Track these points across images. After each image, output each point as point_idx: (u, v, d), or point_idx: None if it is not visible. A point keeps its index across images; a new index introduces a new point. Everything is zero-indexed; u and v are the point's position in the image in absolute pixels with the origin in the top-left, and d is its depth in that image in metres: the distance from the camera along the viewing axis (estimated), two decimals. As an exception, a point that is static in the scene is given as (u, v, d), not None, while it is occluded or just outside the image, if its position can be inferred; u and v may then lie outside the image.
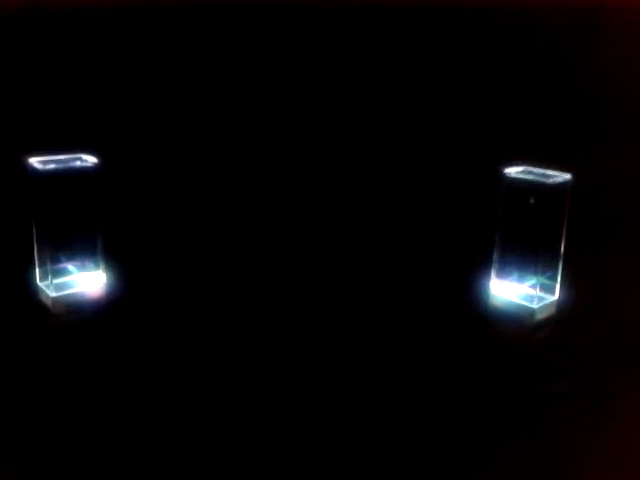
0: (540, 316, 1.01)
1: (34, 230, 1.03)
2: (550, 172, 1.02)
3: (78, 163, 1.03)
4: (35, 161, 1.02)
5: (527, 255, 1.02)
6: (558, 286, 1.03)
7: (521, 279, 1.03)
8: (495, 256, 1.05)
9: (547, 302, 1.03)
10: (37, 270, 1.05)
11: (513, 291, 1.04)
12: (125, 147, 1.97)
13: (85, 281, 1.05)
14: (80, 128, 2.08)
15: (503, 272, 1.05)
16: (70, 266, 1.04)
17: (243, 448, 0.72)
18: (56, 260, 1.02)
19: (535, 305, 1.01)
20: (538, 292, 1.02)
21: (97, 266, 1.06)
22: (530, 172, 1.02)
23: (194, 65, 3.02)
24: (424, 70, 2.94)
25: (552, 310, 1.03)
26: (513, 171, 1.03)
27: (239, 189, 1.64)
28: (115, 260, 1.11)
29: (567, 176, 1.01)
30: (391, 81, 2.83)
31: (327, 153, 1.98)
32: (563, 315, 1.02)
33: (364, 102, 2.58)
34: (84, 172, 1.03)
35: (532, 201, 1.01)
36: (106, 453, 0.71)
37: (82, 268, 1.05)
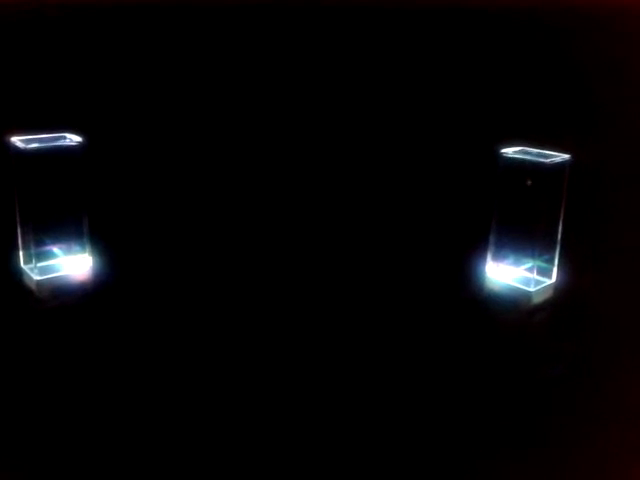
0: (537, 300, 1.00)
1: (17, 211, 1.00)
2: (548, 152, 0.99)
3: (62, 142, 1.01)
4: (18, 140, 0.99)
5: (524, 237, 1.00)
6: (555, 269, 1.02)
7: (518, 262, 1.01)
8: (491, 239, 1.03)
9: (544, 285, 1.01)
10: (21, 253, 1.02)
11: (510, 274, 1.02)
12: (111, 125, 1.93)
13: (71, 264, 1.02)
14: (64, 106, 2.04)
15: (499, 255, 1.03)
16: (55, 249, 1.02)
17: (232, 433, 0.70)
18: (40, 242, 1.00)
19: (532, 288, 0.99)
20: (535, 275, 1.00)
21: (83, 249, 1.03)
22: (527, 152, 1.00)
23: (181, 43, 2.98)
24: (422, 54, 2.92)
25: (549, 293, 1.01)
26: (510, 151, 1.01)
27: (229, 169, 1.61)
28: (102, 242, 1.09)
29: (566, 156, 0.99)
30: (389, 64, 2.81)
31: (321, 134, 1.95)
32: (560, 299, 1.01)
33: (361, 83, 2.55)
34: (69, 151, 1.00)
35: (529, 183, 0.99)
36: (91, 438, 0.69)
37: (67, 251, 1.02)
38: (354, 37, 3.10)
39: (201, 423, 0.72)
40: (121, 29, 3.03)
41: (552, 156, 0.99)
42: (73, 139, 1.01)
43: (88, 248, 1.04)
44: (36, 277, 0.99)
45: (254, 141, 1.86)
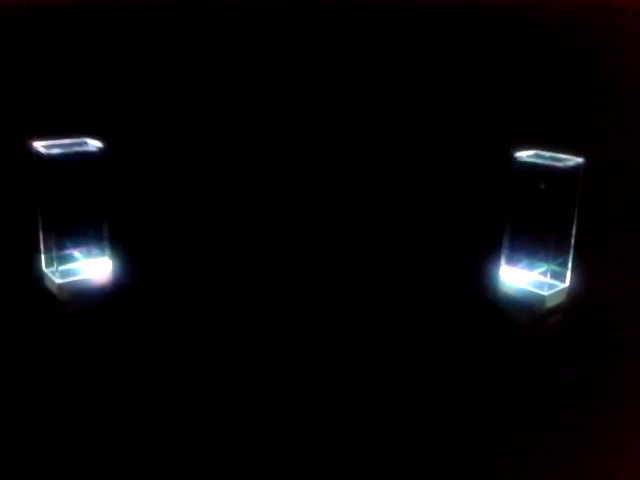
0: (551, 303, 1.00)
1: (39, 216, 1.02)
2: (562, 156, 1.00)
3: (83, 147, 1.03)
4: (40, 145, 1.01)
5: (538, 241, 1.01)
6: (569, 273, 1.02)
7: (531, 266, 1.02)
8: (505, 242, 1.04)
9: (558, 289, 1.01)
10: (42, 257, 1.04)
11: (523, 278, 1.03)
12: (130, 131, 1.96)
13: (91, 268, 1.04)
14: (85, 112, 2.07)
15: (513, 259, 1.04)
16: (76, 252, 1.04)
17: (241, 437, 0.72)
18: (62, 246, 1.02)
19: (546, 292, 1.00)
20: (549, 279, 1.00)
21: (103, 252, 1.05)
22: (541, 156, 1.01)
23: (197, 50, 3.01)
24: (436, 56, 2.92)
25: (563, 297, 1.02)
26: (524, 155, 1.01)
27: (245, 175, 1.63)
28: (121, 246, 1.11)
29: (579, 160, 0.99)
30: (403, 66, 2.81)
31: (335, 137, 1.96)
32: (574, 303, 1.01)
33: (375, 85, 2.57)
34: (89, 157, 1.02)
35: (543, 187, 1.00)
36: (108, 442, 0.71)
37: (88, 254, 1.04)
38: (365, 37, 3.10)
39: (216, 429, 0.73)
40: (137, 37, 3.07)
41: (565, 160, 0.99)
42: (93, 144, 1.03)
43: (108, 252, 1.06)
44: (57, 280, 1.01)
45: (267, 145, 1.88)
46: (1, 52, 2.72)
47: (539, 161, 1.00)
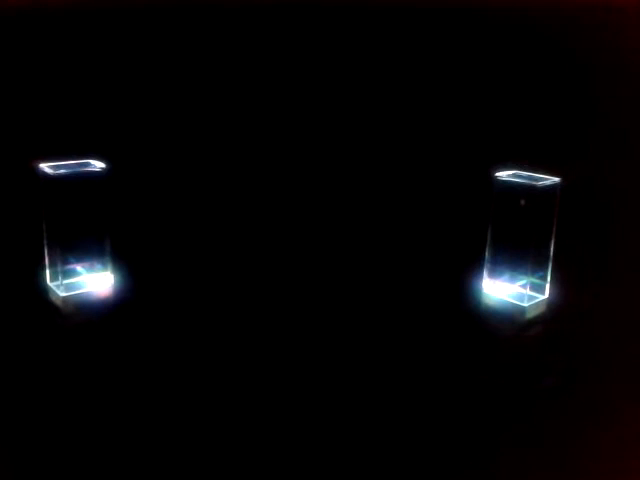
0: (531, 314, 1.05)
1: (45, 232, 1.07)
2: (540, 175, 1.05)
3: (87, 168, 1.08)
4: (46, 166, 1.06)
5: (518, 256, 1.06)
6: (548, 285, 1.07)
7: (512, 279, 1.07)
8: (487, 256, 1.09)
9: (537, 301, 1.06)
10: (48, 271, 1.09)
11: (505, 290, 1.08)
12: (132, 152, 2.02)
13: (94, 282, 1.09)
14: (89, 134, 2.13)
15: (495, 272, 1.09)
16: (79, 267, 1.08)
17: (245, 445, 0.76)
18: (66, 261, 1.06)
19: (526, 304, 1.05)
20: (529, 291, 1.05)
21: (105, 267, 1.10)
22: (520, 175, 1.06)
23: (200, 72, 3.06)
24: (416, 75, 2.97)
25: (542, 308, 1.07)
26: (504, 174, 1.07)
27: (244, 193, 1.68)
28: (122, 261, 1.15)
29: (556, 179, 1.05)
30: (384, 85, 2.86)
31: (323, 156, 2.01)
32: (553, 313, 1.06)
33: (358, 105, 2.62)
34: (93, 177, 1.07)
35: (523, 203, 1.05)
36: (112, 451, 0.74)
37: (91, 269, 1.09)
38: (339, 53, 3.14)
39: (217, 438, 0.77)
40: (139, 61, 3.12)
41: (543, 179, 1.05)
42: (97, 165, 1.08)
43: (110, 266, 1.11)
44: (62, 294, 1.06)
45: (267, 155, 1.93)
46: (10, 79, 2.78)
47: (518, 180, 1.06)
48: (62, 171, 1.05)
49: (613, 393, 0.87)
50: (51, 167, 1.06)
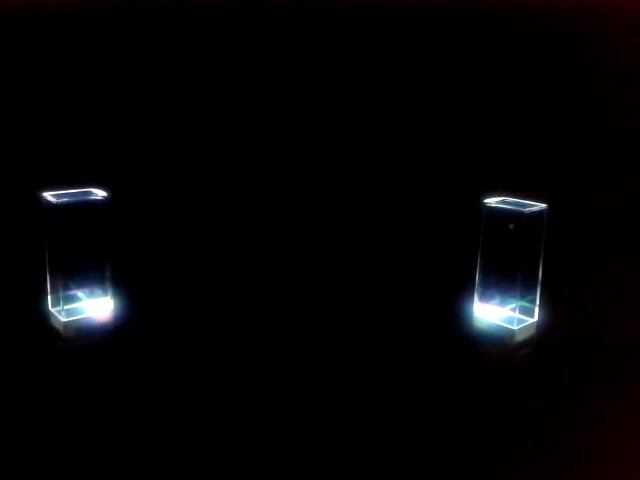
0: (520, 337, 1.08)
1: (47, 259, 1.10)
2: (527, 202, 1.09)
3: (89, 197, 1.11)
4: (49, 195, 1.09)
5: (507, 280, 1.09)
6: (537, 309, 1.10)
7: (502, 302, 1.10)
8: (477, 281, 1.12)
9: (527, 324, 1.09)
10: (49, 297, 1.11)
11: (495, 314, 1.11)
12: (133, 181, 2.06)
13: (94, 307, 1.11)
14: (91, 164, 2.18)
15: (485, 296, 1.12)
16: (80, 293, 1.11)
17: (245, 467, 0.78)
18: (67, 287, 1.09)
19: (515, 327, 1.08)
20: (518, 314, 1.08)
21: (105, 293, 1.13)
22: (508, 202, 1.09)
23: (198, 98, 3.12)
24: (407, 102, 3.03)
25: (532, 331, 1.09)
26: (492, 201, 1.10)
27: (243, 220, 1.72)
28: (122, 287, 1.18)
29: (543, 205, 1.08)
30: (375, 109, 2.92)
31: (310, 181, 2.05)
32: (542, 336, 1.09)
33: (348, 129, 2.67)
34: (94, 205, 1.10)
35: (512, 227, 1.08)
36: (110, 475, 0.76)
37: (91, 295, 1.12)
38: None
39: (219, 466, 0.79)
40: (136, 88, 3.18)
41: (530, 205, 1.08)
42: (98, 194, 1.11)
43: (110, 292, 1.13)
44: (63, 319, 1.08)
45: (267, 173, 1.97)
46: (14, 110, 2.84)
47: (506, 206, 1.09)
48: (64, 199, 1.08)
49: (602, 414, 0.89)
50: (54, 196, 1.09)
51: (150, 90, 3.23)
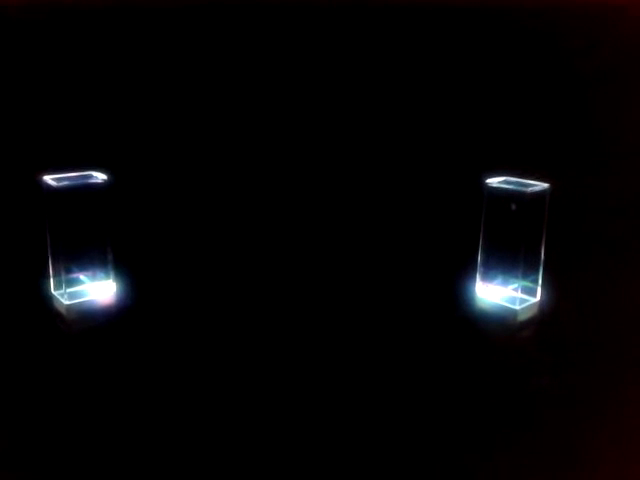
0: (523, 317, 1.08)
1: (49, 243, 1.10)
2: (529, 182, 1.08)
3: (89, 180, 1.11)
4: (50, 178, 1.09)
5: (510, 260, 1.09)
6: (539, 289, 1.10)
7: (504, 282, 1.10)
8: (480, 261, 1.12)
9: (529, 304, 1.09)
10: (51, 280, 1.12)
11: (497, 294, 1.11)
12: (133, 164, 2.05)
13: (96, 290, 1.12)
14: (91, 147, 2.17)
15: (487, 276, 1.12)
16: (82, 276, 1.11)
17: (245, 450, 0.78)
18: (69, 270, 1.10)
19: (518, 307, 1.08)
20: (520, 294, 1.08)
21: (107, 276, 1.13)
22: (510, 182, 1.09)
23: (202, 83, 3.11)
24: (409, 84, 3.02)
25: (534, 311, 1.10)
26: (495, 181, 1.10)
27: (244, 201, 1.72)
28: (124, 270, 1.18)
29: (545, 185, 1.08)
30: (377, 93, 2.91)
31: (315, 160, 2.05)
32: (544, 316, 1.09)
33: (351, 108, 2.66)
34: (95, 188, 1.10)
35: (514, 207, 1.07)
36: (114, 457, 0.76)
37: (93, 278, 1.12)
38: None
39: (219, 444, 0.79)
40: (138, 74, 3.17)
41: (533, 185, 1.08)
42: (99, 177, 1.11)
43: (112, 275, 1.14)
44: (65, 302, 1.09)
45: (267, 162, 1.96)
46: (14, 93, 2.83)
47: (509, 186, 1.08)
48: (65, 183, 1.08)
49: (605, 395, 0.89)
50: (55, 179, 1.09)
51: (150, 73, 3.22)
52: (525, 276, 1.08)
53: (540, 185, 1.08)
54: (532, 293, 1.10)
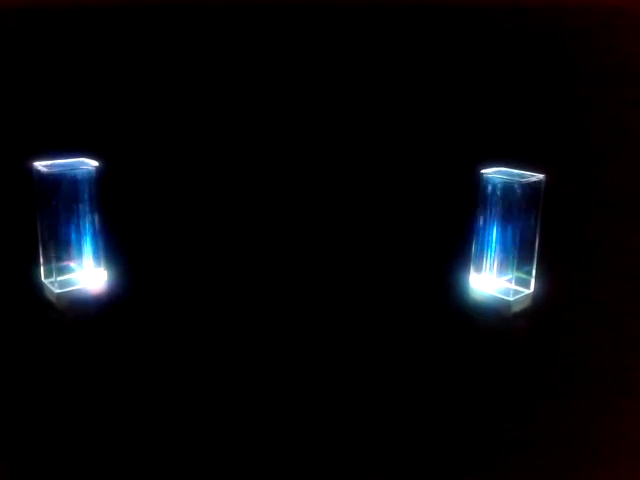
0: (516, 308, 1.08)
1: (39, 230, 1.09)
2: (524, 172, 1.08)
3: (80, 166, 1.09)
4: (40, 165, 1.08)
5: (504, 251, 1.09)
6: (533, 280, 1.10)
7: (498, 273, 1.10)
8: (473, 251, 1.11)
9: (523, 295, 1.09)
10: (42, 268, 1.11)
11: (491, 285, 1.10)
12: (125, 150, 2.04)
13: (87, 278, 1.11)
14: (82, 133, 2.15)
15: (481, 267, 1.11)
16: (73, 264, 1.10)
17: (241, 447, 0.77)
18: (60, 258, 1.09)
19: (511, 298, 1.07)
20: (514, 286, 1.08)
21: (98, 264, 1.12)
22: (505, 172, 1.09)
23: (193, 68, 3.09)
24: (404, 76, 3.01)
25: (527, 302, 1.09)
26: (490, 171, 1.09)
27: (238, 189, 1.71)
28: (115, 258, 1.17)
29: (540, 176, 1.07)
30: (372, 84, 2.90)
31: (306, 151, 2.04)
32: (538, 307, 1.08)
33: (346, 101, 2.65)
34: (86, 175, 1.09)
35: (509, 197, 1.07)
36: (106, 451, 0.75)
37: (84, 266, 1.11)
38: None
39: (214, 439, 0.78)
40: (131, 56, 3.14)
41: (528, 176, 1.07)
42: (90, 164, 1.10)
43: (103, 263, 1.13)
44: (56, 290, 1.08)
45: (261, 152, 1.95)
46: (5, 80, 2.80)
47: (504, 177, 1.08)
48: (56, 169, 1.07)
49: (598, 388, 0.89)
50: (45, 166, 1.07)
51: (143, 61, 3.19)
52: (519, 267, 1.08)
53: (535, 175, 1.07)
54: (526, 285, 1.09)
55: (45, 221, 1.08)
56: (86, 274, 1.11)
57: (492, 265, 1.10)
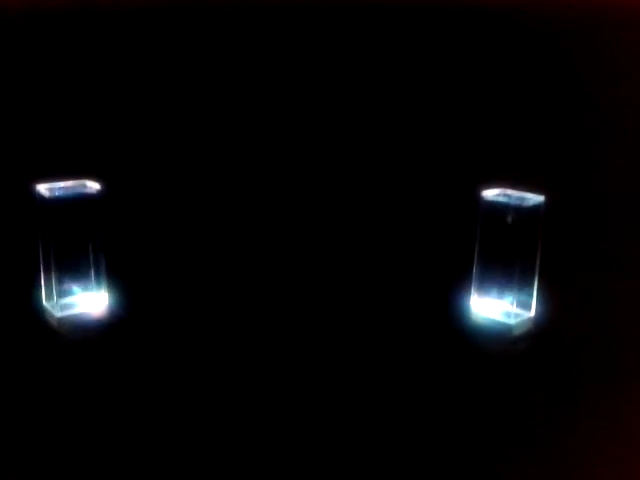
0: (517, 331, 1.07)
1: (41, 252, 1.09)
2: (525, 194, 1.08)
3: (82, 189, 1.10)
4: (42, 187, 1.08)
5: (505, 274, 1.08)
6: (534, 303, 1.09)
7: (499, 296, 1.09)
8: (475, 275, 1.11)
9: (524, 318, 1.08)
10: (43, 291, 1.10)
11: (492, 308, 1.10)
12: (127, 174, 2.05)
13: (89, 301, 1.11)
14: (85, 156, 2.17)
15: (482, 290, 1.11)
16: (74, 287, 1.10)
17: (241, 454, 0.77)
18: (61, 281, 1.08)
19: (513, 321, 1.07)
20: (515, 309, 1.07)
21: (100, 287, 1.12)
22: (506, 194, 1.09)
23: (195, 91, 3.10)
24: (405, 94, 3.02)
25: (529, 325, 1.09)
26: (490, 194, 1.09)
27: (237, 211, 1.71)
28: (117, 281, 1.17)
29: (540, 198, 1.07)
30: (373, 102, 2.91)
31: (306, 169, 2.05)
32: (539, 330, 1.08)
33: (346, 117, 2.66)
34: (88, 198, 1.09)
35: (510, 219, 1.07)
36: (106, 468, 0.75)
37: (86, 289, 1.11)
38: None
39: (215, 463, 0.78)
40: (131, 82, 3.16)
41: (528, 198, 1.07)
42: (92, 186, 1.10)
43: (104, 286, 1.13)
44: (57, 313, 1.07)
45: (261, 170, 1.96)
46: (8, 102, 2.82)
47: (504, 199, 1.08)
48: (58, 192, 1.07)
49: (599, 409, 0.89)
50: (47, 188, 1.08)
51: (145, 82, 3.21)
52: (520, 290, 1.08)
53: (536, 197, 1.07)
54: (527, 307, 1.09)
55: (47, 244, 1.08)
56: (87, 297, 1.11)
57: (493, 288, 1.10)
